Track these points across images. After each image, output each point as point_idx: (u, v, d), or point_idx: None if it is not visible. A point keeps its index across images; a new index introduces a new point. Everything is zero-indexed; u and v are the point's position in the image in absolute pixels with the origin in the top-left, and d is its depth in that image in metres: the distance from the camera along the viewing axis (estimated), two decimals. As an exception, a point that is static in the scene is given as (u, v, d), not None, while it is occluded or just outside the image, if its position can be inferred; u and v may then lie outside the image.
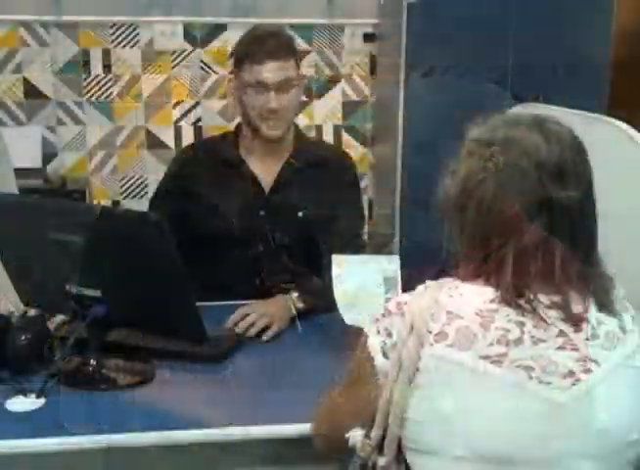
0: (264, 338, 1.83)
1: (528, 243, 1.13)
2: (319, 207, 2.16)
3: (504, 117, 1.23)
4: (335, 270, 1.82)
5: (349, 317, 1.70)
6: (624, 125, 1.64)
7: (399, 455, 1.21)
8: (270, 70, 2.04)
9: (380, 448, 1.23)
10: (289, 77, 2.07)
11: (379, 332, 1.19)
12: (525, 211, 1.13)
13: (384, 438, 1.21)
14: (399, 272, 1.85)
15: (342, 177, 2.21)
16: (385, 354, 1.18)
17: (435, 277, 1.23)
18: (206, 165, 2.17)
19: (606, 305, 1.17)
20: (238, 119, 2.26)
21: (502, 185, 1.14)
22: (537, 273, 1.14)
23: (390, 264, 1.85)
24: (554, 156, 1.14)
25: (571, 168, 1.15)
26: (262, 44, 2.05)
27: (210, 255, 2.18)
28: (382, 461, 1.22)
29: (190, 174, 2.18)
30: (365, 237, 2.28)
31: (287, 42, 2.11)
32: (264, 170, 2.17)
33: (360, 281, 1.81)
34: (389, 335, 1.18)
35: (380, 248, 3.74)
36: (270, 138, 2.11)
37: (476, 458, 1.11)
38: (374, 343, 1.19)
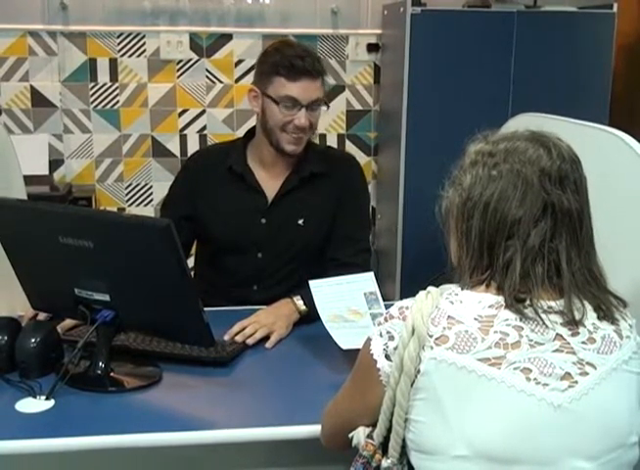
0: (267, 346, 1.85)
1: (534, 244, 1.16)
2: (323, 215, 2.18)
3: (503, 133, 1.27)
4: (316, 295, 1.84)
5: (345, 342, 1.71)
6: (626, 136, 1.65)
7: (403, 457, 1.24)
8: (305, 89, 2.06)
9: (384, 450, 1.26)
10: (319, 97, 2.10)
11: (381, 335, 1.22)
12: (529, 213, 1.17)
13: (386, 439, 1.24)
14: (377, 286, 1.87)
15: (349, 185, 2.21)
16: (387, 357, 1.21)
17: (437, 284, 1.26)
18: (213, 172, 2.20)
19: (604, 311, 1.20)
20: (245, 127, 2.29)
21: (507, 190, 1.18)
22: (544, 274, 1.17)
23: (367, 281, 1.88)
24: (555, 165, 1.19)
25: (571, 177, 1.20)
26: (300, 61, 2.05)
27: (211, 258, 2.23)
28: (386, 463, 1.25)
29: (196, 180, 2.21)
30: (371, 244, 2.29)
31: (319, 62, 2.12)
32: (270, 179, 2.19)
33: (343, 302, 1.84)
34: (392, 338, 1.21)
35: (382, 256, 3.76)
36: (289, 153, 2.13)
37: (477, 458, 1.13)
38: (376, 346, 1.22)
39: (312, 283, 1.86)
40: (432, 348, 1.15)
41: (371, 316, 1.82)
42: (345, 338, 1.72)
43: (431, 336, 1.16)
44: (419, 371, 1.16)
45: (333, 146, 3.71)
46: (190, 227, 2.19)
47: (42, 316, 1.84)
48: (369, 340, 1.24)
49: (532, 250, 1.17)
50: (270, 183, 2.19)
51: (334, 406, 1.37)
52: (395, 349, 1.19)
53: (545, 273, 1.17)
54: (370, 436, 1.27)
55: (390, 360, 1.20)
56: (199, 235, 2.24)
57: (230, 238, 2.18)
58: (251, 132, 2.24)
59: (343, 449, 1.34)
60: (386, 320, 1.23)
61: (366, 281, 1.89)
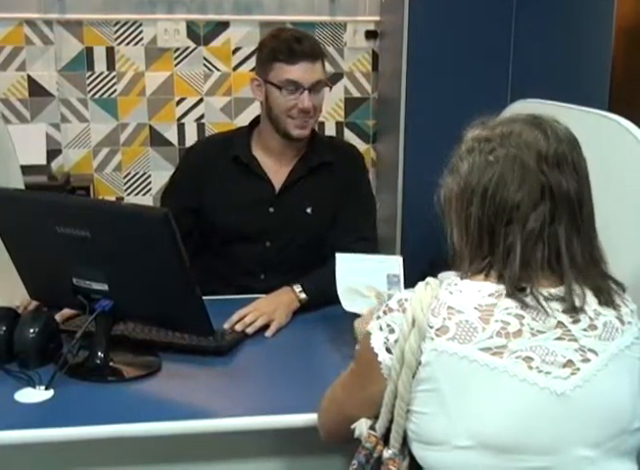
0: (267, 335, 1.85)
1: (534, 228, 1.15)
2: (330, 204, 2.17)
3: (500, 118, 1.27)
4: (339, 267, 1.84)
5: (348, 303, 1.72)
6: (625, 121, 1.65)
7: (404, 448, 1.24)
8: (305, 71, 2.06)
9: (385, 441, 1.25)
10: (320, 79, 2.10)
11: (381, 329, 1.22)
12: (528, 197, 1.16)
13: (388, 430, 1.24)
14: (402, 272, 1.87)
15: (351, 174, 2.22)
16: (388, 350, 1.20)
17: (436, 274, 1.25)
18: (217, 162, 2.19)
19: (604, 297, 1.20)
20: (243, 116, 2.28)
21: (504, 175, 1.17)
22: (543, 259, 1.16)
23: (394, 263, 1.87)
24: (552, 147, 1.18)
25: (569, 159, 1.19)
26: (298, 45, 2.06)
27: (217, 248, 2.22)
28: (387, 453, 1.24)
29: (201, 168, 2.20)
30: (373, 233, 2.28)
31: (317, 44, 2.14)
32: (277, 168, 2.19)
33: (363, 278, 1.83)
34: (392, 331, 1.20)
35: (381, 245, 3.76)
36: (298, 138, 2.13)
37: (479, 447, 1.13)
38: (377, 340, 1.21)
39: (339, 255, 1.86)
40: (432, 339, 1.15)
41: (388, 297, 1.82)
42: (352, 302, 1.72)
43: (431, 327, 1.15)
44: (420, 363, 1.16)
45: (333, 136, 3.69)
46: (192, 218, 2.18)
47: (41, 306, 1.83)
48: (369, 334, 1.23)
49: (532, 234, 1.16)
50: (277, 172, 2.19)
51: (332, 402, 1.37)
52: (396, 341, 1.18)
53: (545, 259, 1.16)
54: (372, 427, 1.27)
55: (391, 353, 1.19)
56: (202, 227, 2.22)
57: (239, 228, 2.18)
58: (255, 121, 2.23)
59: (345, 443, 1.33)
60: (385, 313, 1.22)
61: (393, 263, 1.88)
